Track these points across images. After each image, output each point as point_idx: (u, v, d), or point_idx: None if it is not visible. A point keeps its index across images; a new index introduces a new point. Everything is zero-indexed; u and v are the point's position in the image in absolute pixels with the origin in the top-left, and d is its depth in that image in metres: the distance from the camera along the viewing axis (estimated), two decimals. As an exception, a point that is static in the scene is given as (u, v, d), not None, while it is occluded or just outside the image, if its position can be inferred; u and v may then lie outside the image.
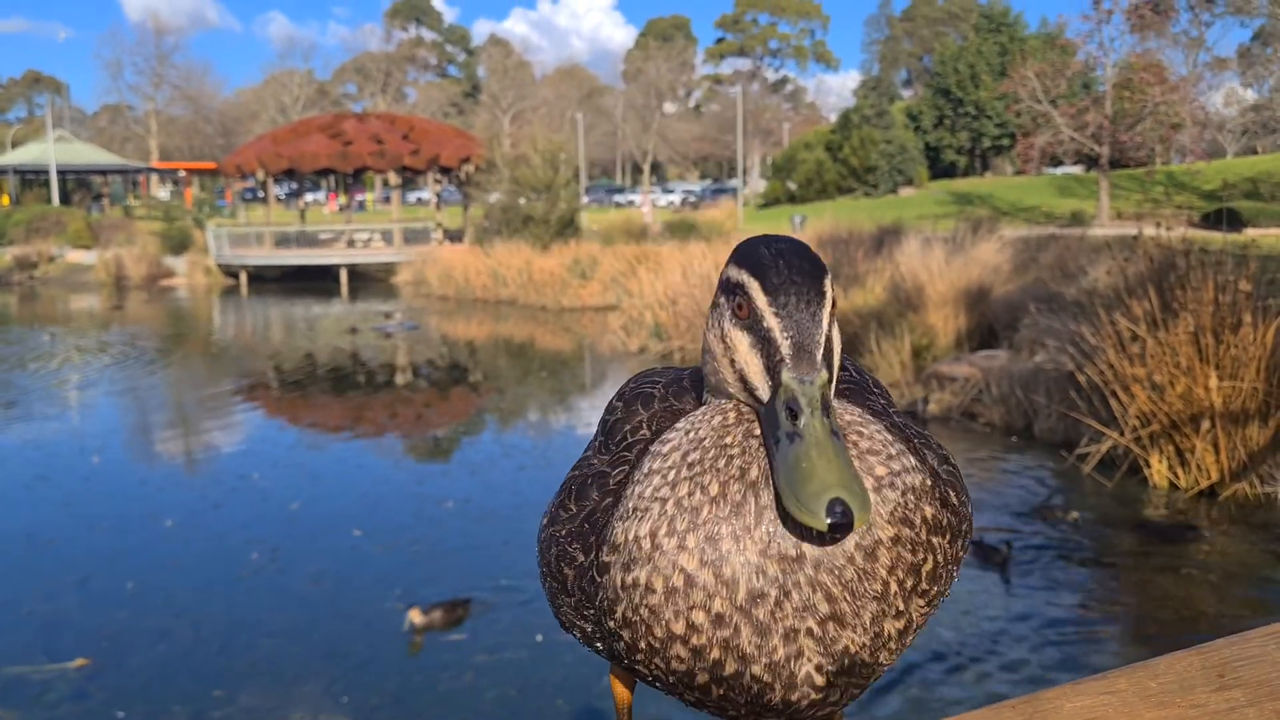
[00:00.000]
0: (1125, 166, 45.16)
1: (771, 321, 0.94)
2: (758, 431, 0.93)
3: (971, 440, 12.07)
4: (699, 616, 0.88)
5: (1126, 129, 37.83)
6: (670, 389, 1.09)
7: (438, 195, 44.92)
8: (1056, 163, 50.68)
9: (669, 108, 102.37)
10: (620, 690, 1.22)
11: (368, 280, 38.23)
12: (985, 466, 11.07)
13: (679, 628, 0.89)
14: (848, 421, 0.98)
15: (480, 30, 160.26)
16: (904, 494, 0.95)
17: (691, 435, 0.94)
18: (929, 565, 0.96)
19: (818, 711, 0.95)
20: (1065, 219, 34.16)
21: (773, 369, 0.93)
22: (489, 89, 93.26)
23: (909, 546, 0.94)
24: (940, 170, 71.00)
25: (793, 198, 59.72)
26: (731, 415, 0.95)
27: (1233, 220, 27.67)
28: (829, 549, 0.90)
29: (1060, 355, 11.37)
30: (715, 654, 0.90)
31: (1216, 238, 12.05)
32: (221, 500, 10.52)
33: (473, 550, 8.75)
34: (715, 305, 1.01)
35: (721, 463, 0.91)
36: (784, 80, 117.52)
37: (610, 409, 1.13)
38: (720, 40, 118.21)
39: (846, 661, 0.92)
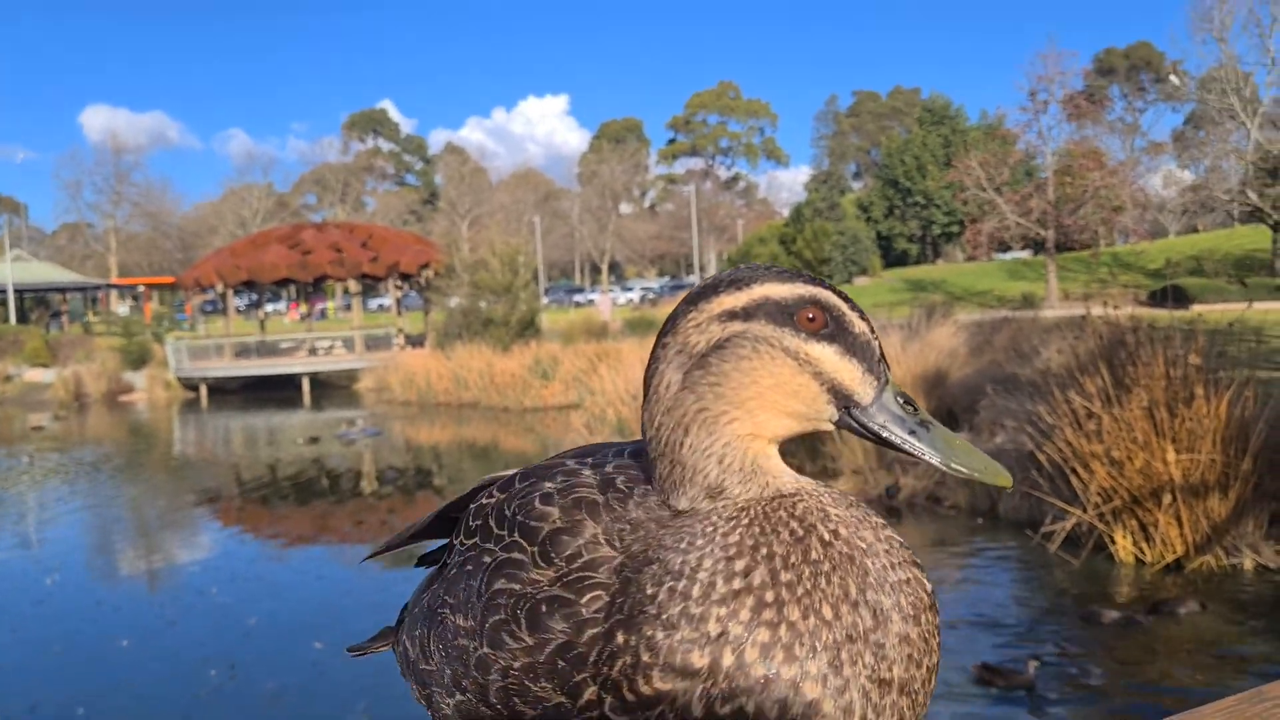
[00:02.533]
0: (1071, 249, 46.33)
1: (862, 326, 0.95)
2: (826, 537, 0.91)
3: (939, 524, 12.07)
4: None
5: (1070, 213, 38.87)
6: (609, 492, 0.99)
7: (398, 301, 45.06)
8: (1005, 248, 51.84)
9: (625, 208, 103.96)
10: None
11: (330, 388, 38.00)
12: (954, 550, 11.05)
13: None
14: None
15: (437, 139, 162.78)
16: (934, 610, 0.97)
17: (765, 553, 0.88)
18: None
19: None
20: (1016, 302, 34.81)
21: (875, 369, 0.94)
22: (447, 195, 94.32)
23: (936, 670, 0.96)
24: (893, 259, 72.32)
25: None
26: (795, 525, 0.91)
27: (1179, 297, 28.31)
28: (911, 674, 0.90)
29: (1019, 435, 11.46)
30: None
31: (1163, 315, 12.31)
32: (178, 617, 10.25)
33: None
34: (720, 346, 0.94)
35: (823, 583, 0.88)
36: (736, 177, 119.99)
37: (529, 513, 1.00)
38: (672, 141, 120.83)
39: None
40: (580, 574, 0.93)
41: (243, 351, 40.55)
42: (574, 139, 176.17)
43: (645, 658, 0.86)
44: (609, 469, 1.03)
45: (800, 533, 0.90)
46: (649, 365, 0.99)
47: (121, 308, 75.56)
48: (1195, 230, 57.83)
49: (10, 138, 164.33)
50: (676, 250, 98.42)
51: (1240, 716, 1.37)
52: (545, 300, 62.78)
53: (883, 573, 0.91)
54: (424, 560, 1.36)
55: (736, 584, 0.87)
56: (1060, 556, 9.99)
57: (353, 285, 43.18)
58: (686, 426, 0.95)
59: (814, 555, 0.89)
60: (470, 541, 1.09)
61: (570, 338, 33.10)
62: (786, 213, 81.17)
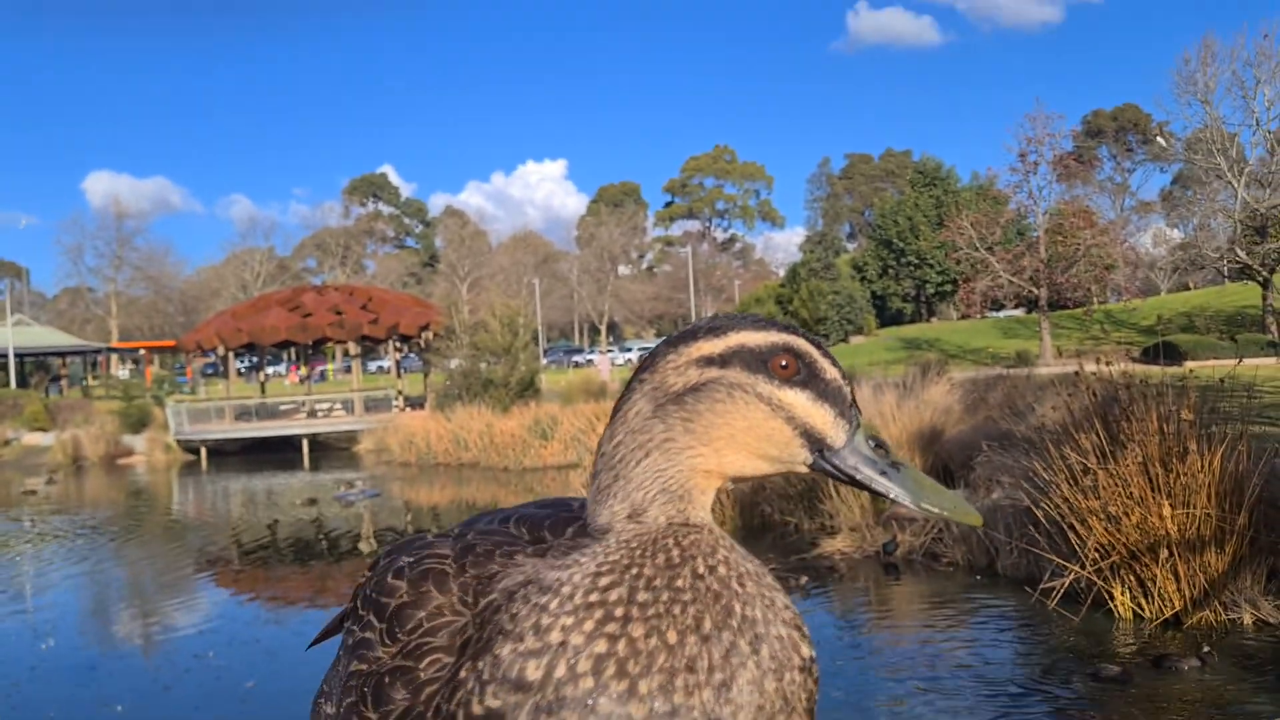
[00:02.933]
0: (1064, 307, 46.75)
1: (834, 373, 1.00)
2: (701, 570, 0.91)
3: (936, 581, 12.06)
4: None
5: (1062, 271, 39.22)
6: (466, 558, 1.00)
7: (398, 363, 45.21)
8: (999, 306, 52.20)
9: (622, 269, 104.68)
10: None
11: (329, 449, 38.00)
12: (953, 607, 11.04)
13: None
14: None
15: (437, 203, 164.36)
16: (806, 675, 0.98)
17: (634, 572, 0.88)
18: None
19: None
20: (1011, 359, 34.99)
21: (846, 414, 0.99)
22: (446, 258, 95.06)
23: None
24: (888, 318, 72.74)
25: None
26: (675, 553, 0.91)
27: (1171, 354, 28.48)
28: (761, 714, 0.88)
29: (1016, 491, 11.49)
30: None
31: (1156, 371, 12.42)
32: (173, 682, 10.20)
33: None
34: (696, 388, 0.97)
35: (677, 609, 0.87)
36: (732, 239, 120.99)
37: (381, 590, 1.01)
38: (669, 204, 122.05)
39: None
40: (420, 641, 0.94)
41: (243, 414, 40.58)
42: (572, 202, 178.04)
43: (485, 676, 0.86)
44: (470, 537, 1.04)
45: (676, 560, 0.91)
46: (622, 395, 1.04)
47: (122, 371, 75.74)
48: (1187, 288, 58.32)
49: (13, 204, 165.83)
50: (674, 311, 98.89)
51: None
52: (544, 361, 62.95)
53: (748, 621, 0.91)
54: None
55: (594, 597, 0.87)
56: (1059, 612, 9.97)
57: (352, 347, 43.34)
58: (648, 450, 0.98)
59: (679, 583, 0.89)
60: (345, 625, 1.12)
61: (569, 398, 33.19)
62: (782, 273, 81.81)
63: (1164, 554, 9.51)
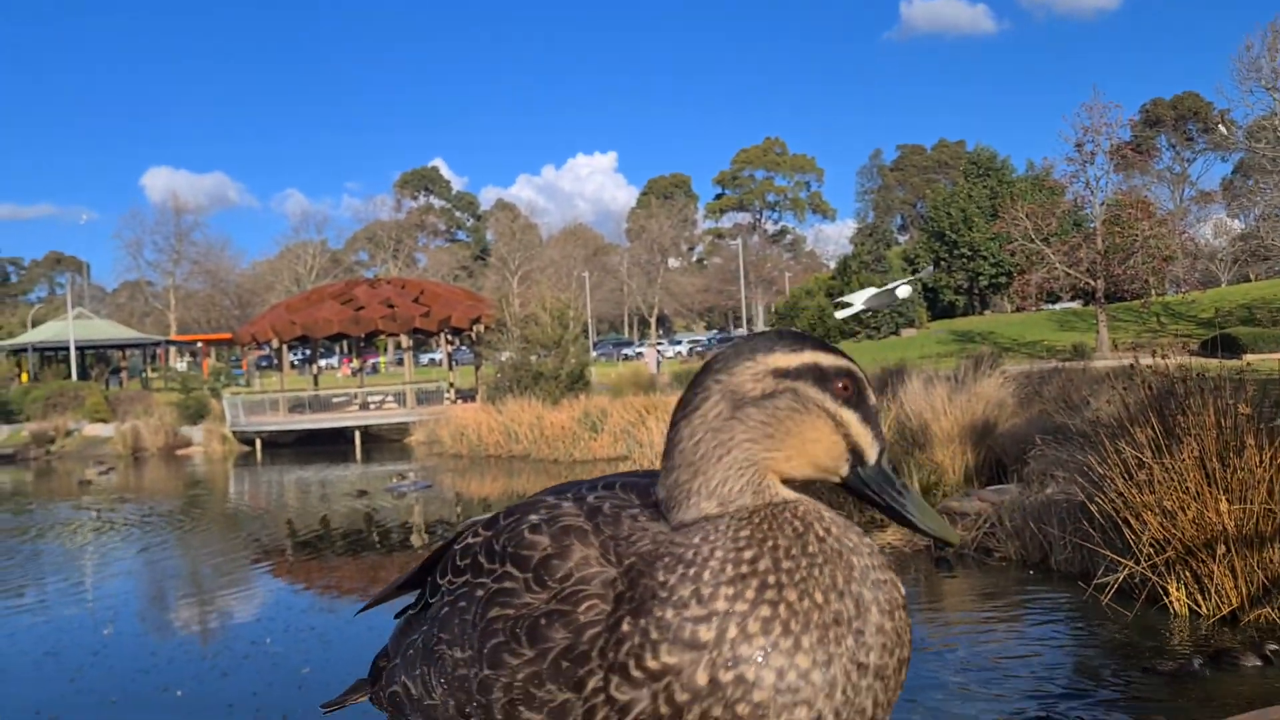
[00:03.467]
0: (1122, 299, 45.92)
1: (874, 400, 1.11)
2: (821, 534, 1.04)
3: (989, 575, 11.96)
4: (801, 712, 0.94)
5: (1119, 263, 38.55)
6: (596, 519, 1.09)
7: (449, 355, 45.60)
8: (1054, 298, 51.46)
9: (673, 262, 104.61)
10: None
11: (382, 441, 38.47)
12: (1005, 601, 10.94)
13: None
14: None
15: (488, 196, 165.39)
16: (906, 610, 1.09)
17: (770, 544, 1.00)
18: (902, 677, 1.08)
19: None
20: (1066, 352, 34.46)
21: (880, 438, 1.09)
22: (497, 251, 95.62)
23: (906, 663, 1.07)
24: (940, 311, 71.91)
25: (797, 339, 60.34)
26: (797, 524, 1.04)
27: (1231, 347, 27.90)
28: (885, 661, 1.01)
29: (1070, 486, 11.36)
30: None
31: (1214, 364, 12.21)
32: (231, 668, 10.40)
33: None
34: (771, 395, 1.08)
35: (816, 572, 1.00)
36: (783, 231, 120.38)
37: (519, 544, 1.10)
38: (719, 196, 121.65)
39: None
40: (574, 589, 1.04)
41: (297, 406, 41.20)
42: (622, 195, 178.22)
43: (654, 635, 0.97)
44: (591, 499, 1.14)
45: (800, 529, 1.02)
46: (694, 389, 1.12)
47: (180, 364, 77.24)
48: (1248, 279, 57.01)
49: (74, 199, 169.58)
50: (724, 303, 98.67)
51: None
52: (594, 354, 63.13)
53: (865, 570, 1.03)
54: (403, 614, 1.45)
55: (744, 569, 0.99)
56: (1113, 608, 9.85)
57: (404, 340, 43.80)
58: (730, 448, 1.07)
59: (811, 549, 1.02)
60: (460, 579, 1.19)
61: (619, 391, 33.29)
62: (833, 265, 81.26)
63: (1221, 550, 9.35)
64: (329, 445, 38.07)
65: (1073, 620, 10.16)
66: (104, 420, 44.40)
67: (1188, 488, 9.51)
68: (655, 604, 0.98)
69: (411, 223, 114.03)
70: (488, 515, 1.22)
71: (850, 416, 1.09)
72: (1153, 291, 45.82)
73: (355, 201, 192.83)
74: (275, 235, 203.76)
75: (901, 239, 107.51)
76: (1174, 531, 9.58)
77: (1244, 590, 9.32)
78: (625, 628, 0.99)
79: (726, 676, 0.95)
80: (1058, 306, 58.96)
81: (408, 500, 22.89)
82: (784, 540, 1.01)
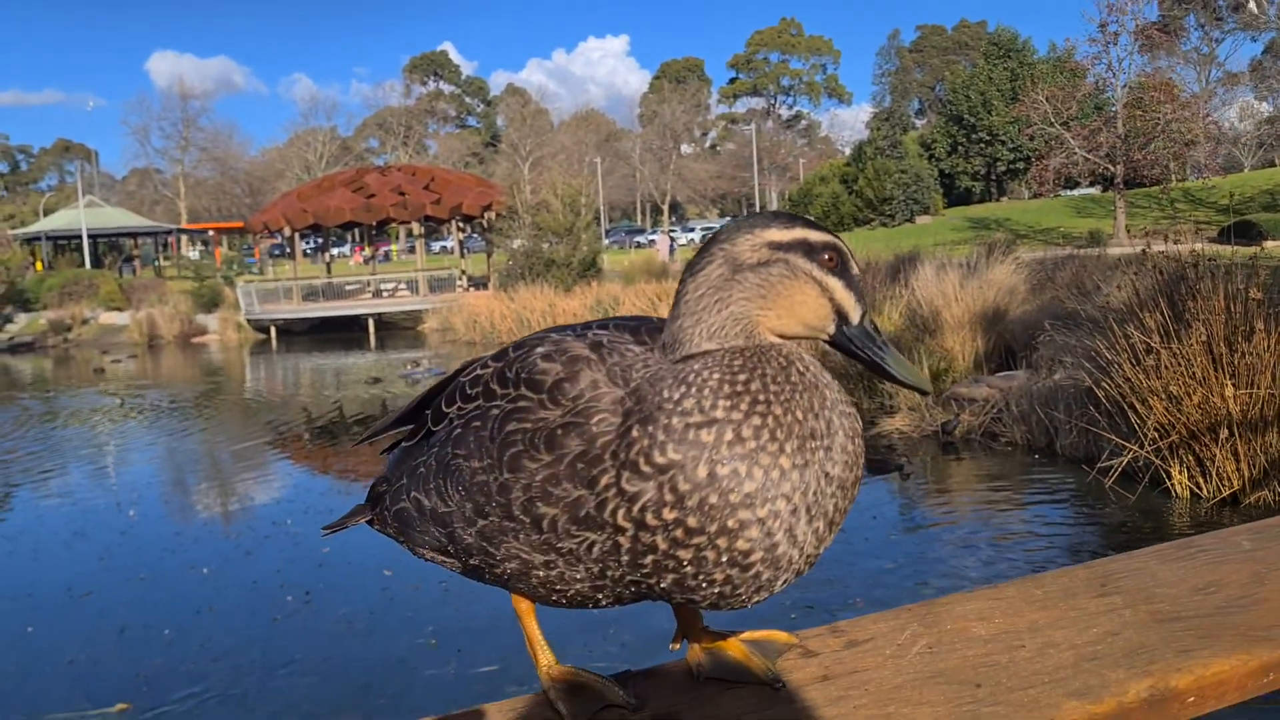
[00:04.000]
0: (1141, 185, 45.23)
1: (856, 270, 1.26)
2: (801, 369, 1.19)
3: (995, 459, 12.14)
4: (781, 504, 1.13)
5: (1140, 148, 37.90)
6: (599, 351, 1.25)
7: (461, 243, 45.53)
8: (1072, 184, 50.76)
9: (685, 148, 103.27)
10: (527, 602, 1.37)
11: (395, 329, 38.71)
12: (1010, 485, 11.13)
13: (763, 511, 1.12)
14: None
15: (498, 81, 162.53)
16: (861, 439, 1.26)
17: (760, 371, 1.17)
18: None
19: (769, 595, 1.20)
20: (1082, 239, 34.15)
21: (861, 302, 1.25)
22: (508, 138, 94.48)
23: (859, 482, 1.25)
24: (956, 197, 71.10)
25: (810, 230, 59.95)
26: (781, 359, 1.19)
27: (1250, 234, 27.60)
28: (846, 475, 1.20)
29: (1077, 371, 11.44)
30: (779, 535, 1.14)
31: (1228, 250, 12.14)
32: (254, 547, 10.73)
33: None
34: (766, 263, 1.23)
35: (798, 396, 1.17)
36: (797, 116, 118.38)
37: (532, 370, 1.24)
38: (733, 80, 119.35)
39: (816, 555, 1.20)
40: (587, 406, 1.19)
41: (310, 294, 41.37)
42: (634, 79, 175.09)
43: (661, 437, 1.13)
44: (591, 336, 1.28)
45: (784, 363, 1.19)
46: (701, 254, 1.27)
47: (192, 252, 77.31)
48: (1272, 164, 56.00)
49: (80, 85, 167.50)
50: (738, 190, 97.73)
51: (1168, 558, 1.55)
52: (606, 241, 62.92)
53: (835, 401, 1.21)
54: (392, 449, 1.59)
55: (739, 387, 1.16)
56: (1116, 491, 10.03)
57: (416, 228, 43.70)
58: (727, 304, 1.23)
59: (793, 379, 1.18)
60: (472, 405, 1.31)
61: (631, 278, 33.29)
62: (848, 151, 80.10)
63: (1224, 434, 9.47)
64: (343, 333, 38.35)
65: (1076, 502, 10.35)
66: (119, 308, 44.70)
67: (1194, 373, 9.58)
68: (661, 414, 1.14)
69: (421, 109, 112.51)
70: (491, 352, 1.34)
71: (835, 283, 1.24)
72: (1173, 177, 45.12)
73: (364, 87, 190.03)
74: (284, 122, 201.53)
75: (919, 123, 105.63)
76: (1179, 416, 9.68)
77: (1245, 473, 9.46)
78: (635, 433, 1.14)
79: (723, 470, 1.11)
80: (1076, 192, 58.21)
81: (422, 386, 23.15)
82: (771, 370, 1.18)
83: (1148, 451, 9.89)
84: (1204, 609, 1.40)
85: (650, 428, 1.13)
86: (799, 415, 1.16)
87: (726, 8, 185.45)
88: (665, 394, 1.15)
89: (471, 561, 1.33)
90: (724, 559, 1.13)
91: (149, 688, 7.14)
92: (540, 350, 1.26)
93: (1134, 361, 10.09)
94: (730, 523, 1.12)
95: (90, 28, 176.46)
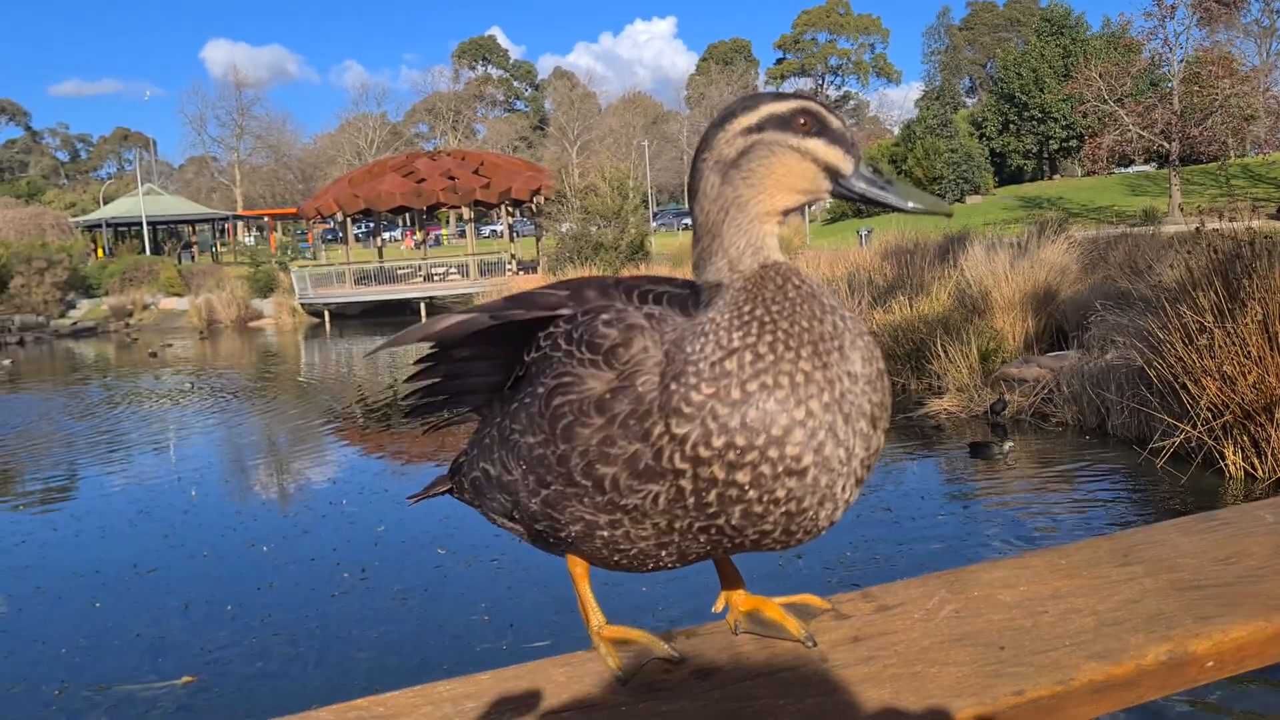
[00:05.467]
0: (1198, 162, 44.29)
1: (838, 124, 1.30)
2: (797, 283, 1.25)
3: (1045, 440, 12.07)
4: (815, 404, 1.19)
5: (1196, 124, 37.11)
6: (651, 320, 1.32)
7: (510, 227, 45.77)
8: (1127, 162, 49.87)
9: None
10: (581, 562, 1.46)
11: (446, 312, 39.05)
12: (1062, 465, 11.06)
13: (800, 413, 1.19)
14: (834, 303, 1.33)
15: (545, 65, 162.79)
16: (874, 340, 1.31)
17: (760, 297, 1.24)
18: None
19: (837, 508, 1.25)
20: (1136, 218, 33.55)
21: (850, 151, 1.29)
22: (556, 121, 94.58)
23: (884, 372, 1.30)
24: (1007, 176, 70.07)
25: (859, 212, 59.43)
26: (778, 279, 1.25)
27: (1312, 210, 26.92)
28: (869, 368, 1.25)
29: (1129, 351, 11.33)
30: (823, 436, 1.20)
31: (1287, 227, 11.95)
32: (311, 526, 10.98)
33: (554, 562, 9.04)
34: (745, 151, 1.28)
35: (800, 307, 1.23)
36: (846, 96, 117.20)
37: (594, 335, 1.32)
38: (781, 60, 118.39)
39: (869, 458, 1.26)
40: (633, 369, 1.27)
41: (362, 279, 41.87)
42: (682, 62, 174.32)
43: (692, 380, 1.21)
44: (646, 309, 1.36)
45: (780, 283, 1.26)
46: (692, 177, 1.34)
47: (248, 238, 78.45)
48: (1338, 138, 54.60)
49: (137, 74, 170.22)
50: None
51: (1190, 530, 1.61)
52: (654, 224, 62.86)
53: (834, 307, 1.27)
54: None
55: (745, 317, 1.23)
56: (1168, 471, 9.95)
57: (466, 212, 44.00)
58: (727, 209, 1.30)
59: (789, 293, 1.25)
60: (538, 354, 1.39)
61: (679, 260, 33.31)
62: (897, 131, 79.18)
63: (1279, 414, 9.35)
64: (395, 316, 38.78)
65: (1128, 483, 10.27)
66: (178, 294, 45.55)
67: (1249, 352, 9.46)
68: (690, 365, 1.22)
69: (470, 93, 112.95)
70: (564, 288, 1.46)
71: (815, 144, 1.28)
72: (1231, 153, 44.12)
73: (413, 73, 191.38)
74: (335, 109, 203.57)
75: (969, 102, 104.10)
76: (1233, 396, 9.57)
77: (1301, 454, 9.34)
78: (672, 385, 1.22)
79: (753, 386, 1.19)
80: (1130, 170, 57.18)
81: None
82: (769, 291, 1.25)
83: (1200, 432, 9.80)
84: (1224, 578, 1.46)
85: (682, 377, 1.21)
86: (805, 324, 1.22)
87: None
88: (688, 349, 1.22)
89: (537, 527, 1.40)
90: (780, 469, 1.19)
91: (212, 661, 7.39)
92: (604, 317, 1.33)
93: (1187, 341, 9.99)
94: (775, 430, 1.18)
95: (147, 17, 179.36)
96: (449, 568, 9.16)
